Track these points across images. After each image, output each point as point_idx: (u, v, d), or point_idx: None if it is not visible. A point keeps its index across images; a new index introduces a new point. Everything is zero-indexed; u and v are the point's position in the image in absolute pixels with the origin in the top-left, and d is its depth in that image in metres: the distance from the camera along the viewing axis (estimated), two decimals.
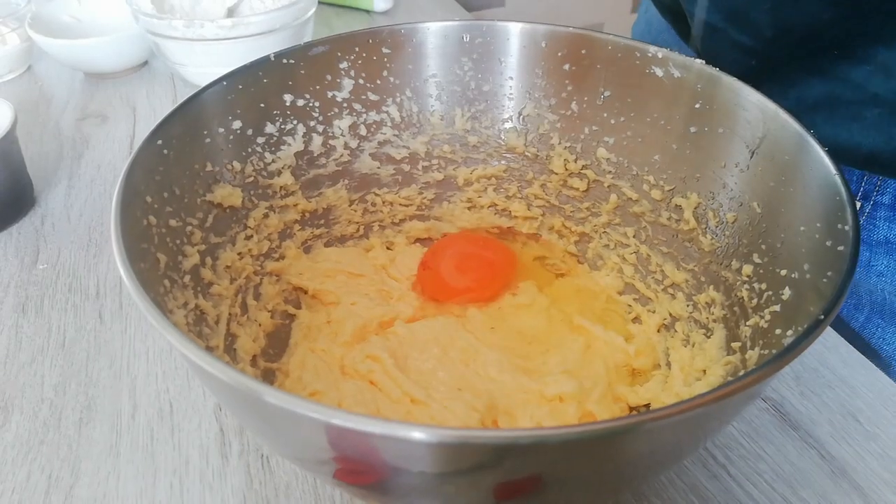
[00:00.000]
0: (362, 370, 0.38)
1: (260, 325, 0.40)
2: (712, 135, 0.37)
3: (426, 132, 0.46)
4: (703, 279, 0.39)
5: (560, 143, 0.45)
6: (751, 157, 0.35)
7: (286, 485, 0.36)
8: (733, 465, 0.37)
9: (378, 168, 0.46)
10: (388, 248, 0.48)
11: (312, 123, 0.43)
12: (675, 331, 0.40)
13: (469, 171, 0.48)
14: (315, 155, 0.43)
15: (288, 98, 0.41)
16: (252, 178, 0.40)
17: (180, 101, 0.35)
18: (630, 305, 0.44)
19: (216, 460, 0.37)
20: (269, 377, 0.38)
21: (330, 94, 0.43)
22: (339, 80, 0.43)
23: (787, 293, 0.30)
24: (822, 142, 0.31)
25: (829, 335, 0.44)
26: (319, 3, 0.85)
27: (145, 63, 0.80)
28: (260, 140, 0.40)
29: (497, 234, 0.50)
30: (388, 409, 0.36)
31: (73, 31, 0.78)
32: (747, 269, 0.35)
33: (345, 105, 0.43)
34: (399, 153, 0.46)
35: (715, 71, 0.36)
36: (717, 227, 0.38)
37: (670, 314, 0.41)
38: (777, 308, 0.31)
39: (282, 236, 0.43)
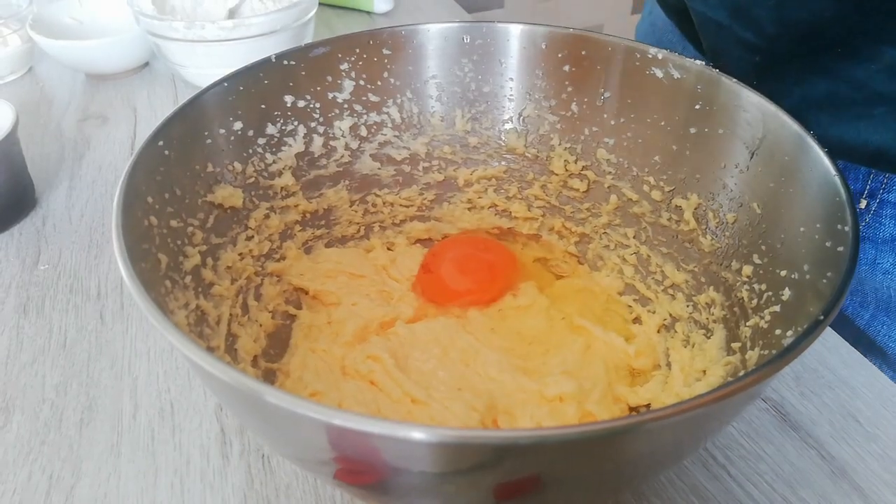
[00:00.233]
0: (363, 370, 0.38)
1: (261, 325, 0.40)
2: (712, 136, 0.37)
3: (427, 133, 0.46)
4: (703, 280, 0.39)
5: (560, 144, 0.45)
6: (751, 158, 0.35)
7: (287, 485, 0.36)
8: (733, 465, 0.37)
9: (378, 169, 0.46)
10: (388, 249, 0.48)
11: (313, 124, 0.43)
12: (676, 331, 0.40)
13: (469, 172, 0.48)
14: (316, 156, 0.44)
15: (289, 99, 0.41)
16: (253, 179, 0.40)
17: (181, 102, 0.35)
18: (630, 306, 0.44)
19: (217, 460, 0.37)
20: (269, 377, 0.39)
21: (330, 96, 0.43)
22: (339, 82, 0.43)
23: (786, 294, 0.30)
24: (828, 140, 0.31)
25: (830, 336, 0.44)
26: (320, 4, 0.85)
27: (146, 64, 0.80)
28: (261, 141, 0.41)
29: (497, 234, 0.50)
30: (389, 410, 0.36)
31: (75, 32, 0.78)
32: (747, 269, 0.35)
33: (345, 106, 0.43)
34: (399, 154, 0.46)
35: (715, 72, 0.37)
36: (717, 227, 0.38)
37: (670, 315, 0.41)
38: (777, 308, 0.31)
39: (283, 237, 0.43)
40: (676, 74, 0.38)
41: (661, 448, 0.25)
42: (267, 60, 0.40)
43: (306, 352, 0.40)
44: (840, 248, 0.27)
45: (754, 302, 0.33)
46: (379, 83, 0.44)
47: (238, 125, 0.39)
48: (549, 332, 0.42)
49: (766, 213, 0.34)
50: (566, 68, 0.42)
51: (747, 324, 0.33)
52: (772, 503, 0.35)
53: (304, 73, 0.41)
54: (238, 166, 0.39)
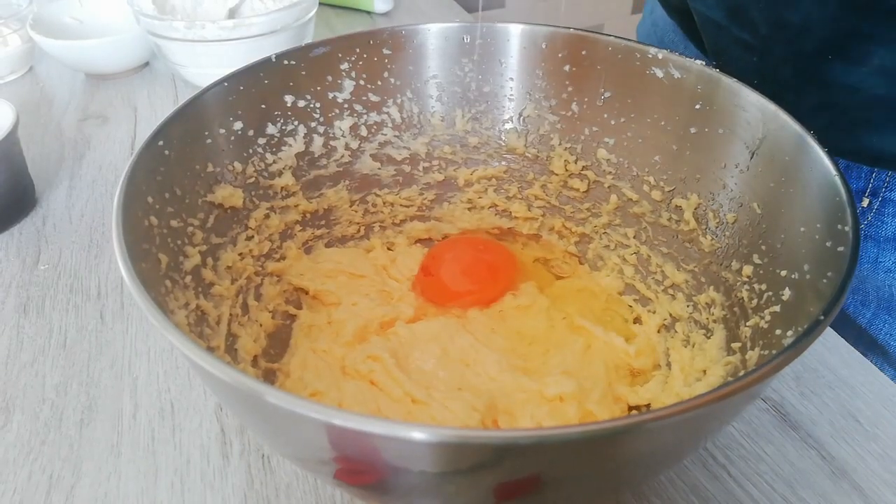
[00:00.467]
0: (363, 370, 0.38)
1: (261, 325, 0.40)
2: (712, 136, 0.37)
3: (427, 133, 0.46)
4: (703, 280, 0.39)
5: (560, 144, 0.45)
6: (751, 158, 0.35)
7: (287, 485, 0.36)
8: (733, 465, 0.37)
9: (379, 169, 0.46)
10: (388, 249, 0.48)
11: (313, 124, 0.43)
12: (676, 331, 0.40)
13: (469, 172, 0.48)
14: (316, 156, 0.44)
15: (289, 99, 0.41)
16: (253, 179, 0.40)
17: (181, 101, 0.35)
18: (630, 306, 0.44)
19: (217, 460, 0.37)
20: (270, 377, 0.39)
21: (331, 95, 0.43)
22: (339, 81, 0.43)
23: (787, 294, 0.30)
24: (830, 144, 0.31)
25: (830, 335, 0.44)
26: (320, 4, 0.85)
27: (146, 64, 0.80)
28: (261, 141, 0.41)
29: (497, 234, 0.50)
30: (389, 409, 0.36)
31: (75, 32, 0.78)
32: (747, 269, 0.35)
33: (346, 106, 0.43)
34: (400, 154, 0.46)
35: (715, 72, 0.37)
36: (717, 227, 0.38)
37: (670, 315, 0.41)
38: (777, 308, 0.31)
39: (283, 237, 0.43)
40: (676, 74, 0.38)
41: (661, 448, 0.25)
42: (267, 60, 0.40)
43: (306, 352, 0.40)
44: (840, 248, 0.27)
45: (754, 302, 0.33)
46: (379, 83, 0.44)
47: (238, 125, 0.39)
48: (550, 332, 0.42)
49: (766, 213, 0.34)
50: (566, 68, 0.42)
51: (747, 324, 0.33)
52: (772, 503, 0.35)
53: (304, 72, 0.41)
54: (238, 166, 0.39)
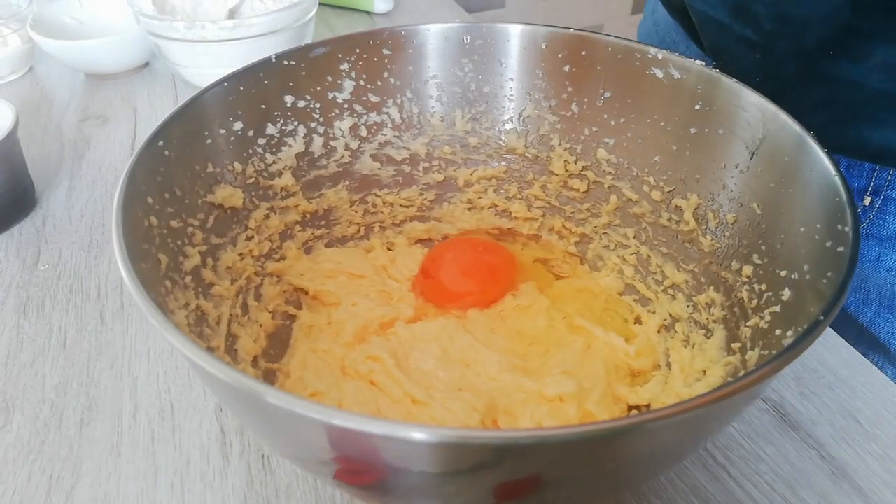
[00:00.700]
0: (363, 371, 0.38)
1: (261, 325, 0.40)
2: (712, 136, 0.37)
3: (427, 133, 0.46)
4: (703, 280, 0.39)
5: (560, 145, 0.45)
6: (751, 158, 0.35)
7: (287, 485, 0.36)
8: (733, 465, 0.37)
9: (379, 169, 0.46)
10: (388, 249, 0.48)
11: (313, 125, 0.43)
12: (676, 331, 0.40)
13: (469, 172, 0.48)
14: (316, 156, 0.44)
15: (289, 99, 0.41)
16: (253, 179, 0.40)
17: (181, 102, 0.35)
18: (630, 306, 0.44)
19: (217, 460, 0.37)
20: (269, 378, 0.39)
21: (331, 96, 0.43)
22: (339, 82, 0.43)
23: (786, 294, 0.30)
24: (832, 140, 0.31)
25: (830, 336, 0.44)
26: (320, 4, 0.85)
27: (146, 64, 0.80)
28: (261, 141, 0.41)
29: (497, 235, 0.50)
30: (389, 410, 0.36)
31: (75, 32, 0.78)
32: (747, 269, 0.35)
33: (345, 106, 0.43)
34: (399, 154, 0.46)
35: (715, 72, 0.37)
36: (717, 227, 0.38)
37: (670, 315, 0.41)
38: (777, 309, 0.31)
39: (283, 237, 0.43)
40: (676, 74, 0.38)
41: (661, 448, 0.25)
42: (267, 60, 0.40)
43: (306, 352, 0.40)
44: (840, 249, 0.27)
45: (754, 302, 0.33)
46: (379, 83, 0.44)
47: (238, 125, 0.39)
48: (549, 333, 0.42)
49: (766, 213, 0.34)
50: (566, 68, 0.42)
51: (747, 324, 0.33)
52: (772, 503, 0.35)
53: (304, 73, 0.41)
54: (238, 166, 0.39)
